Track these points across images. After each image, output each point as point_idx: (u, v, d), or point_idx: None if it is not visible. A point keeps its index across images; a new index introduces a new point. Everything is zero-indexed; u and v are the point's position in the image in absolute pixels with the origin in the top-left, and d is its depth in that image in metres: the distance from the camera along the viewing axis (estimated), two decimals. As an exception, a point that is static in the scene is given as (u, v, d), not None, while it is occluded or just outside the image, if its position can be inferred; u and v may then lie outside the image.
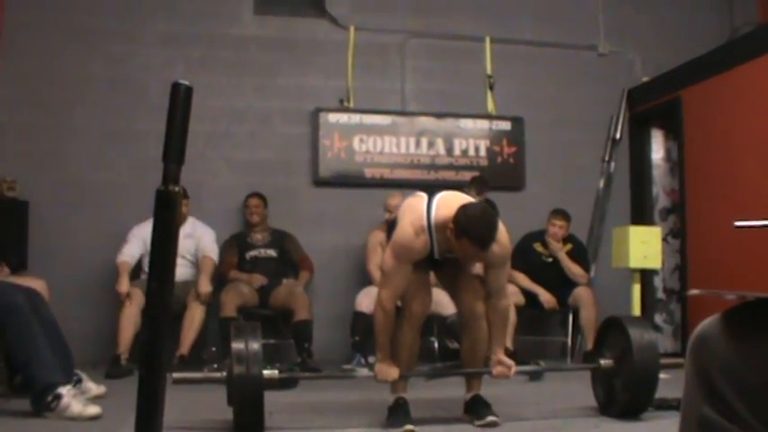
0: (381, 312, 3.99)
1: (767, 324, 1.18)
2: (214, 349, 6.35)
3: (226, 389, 3.91)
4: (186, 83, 1.33)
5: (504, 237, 4.00)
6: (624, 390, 4.20)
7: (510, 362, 4.17)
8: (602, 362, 4.35)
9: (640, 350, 4.14)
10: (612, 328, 4.41)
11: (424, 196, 4.05)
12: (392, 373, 4.02)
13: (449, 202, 3.91)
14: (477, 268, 4.26)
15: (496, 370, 4.16)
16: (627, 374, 4.18)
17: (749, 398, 1.15)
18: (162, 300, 1.32)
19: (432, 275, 4.35)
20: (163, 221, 1.31)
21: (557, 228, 6.92)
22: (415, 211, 3.99)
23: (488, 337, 4.18)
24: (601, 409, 4.40)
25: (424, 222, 3.92)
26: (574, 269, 6.82)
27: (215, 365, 5.84)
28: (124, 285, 6.16)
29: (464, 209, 3.82)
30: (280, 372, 4.14)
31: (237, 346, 3.84)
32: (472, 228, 3.75)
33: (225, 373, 3.94)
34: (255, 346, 3.86)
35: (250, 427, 3.82)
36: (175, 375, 4.13)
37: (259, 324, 4.16)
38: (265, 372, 3.87)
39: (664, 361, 4.40)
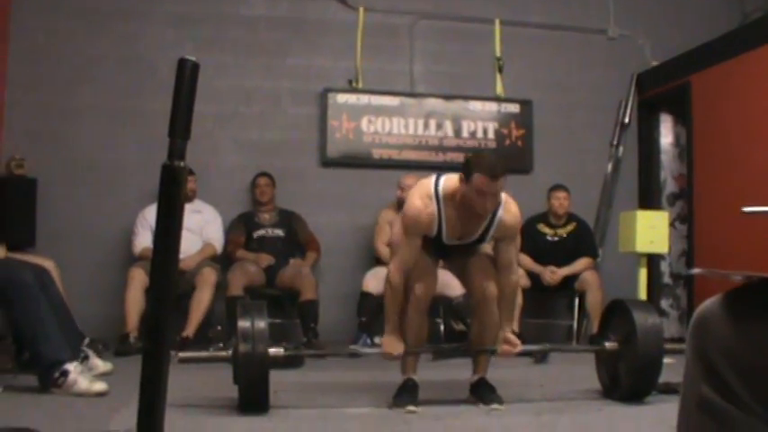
0: (389, 285, 4.04)
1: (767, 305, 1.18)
2: (220, 328, 6.38)
3: (232, 367, 3.93)
4: (193, 59, 1.33)
5: (514, 208, 4.07)
6: (628, 373, 4.20)
7: (516, 340, 4.18)
8: (607, 344, 4.36)
9: (644, 334, 4.14)
10: (617, 312, 4.41)
11: (432, 176, 4.12)
12: (398, 347, 4.05)
13: (455, 177, 3.99)
14: (488, 248, 4.27)
15: (502, 348, 4.16)
16: (631, 358, 4.18)
17: (748, 379, 1.15)
18: (166, 274, 1.33)
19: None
20: (168, 196, 1.32)
21: (560, 200, 6.93)
22: (422, 186, 4.08)
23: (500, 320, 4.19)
24: (605, 392, 4.42)
25: (432, 192, 3.99)
26: (580, 267, 6.79)
27: (221, 344, 5.86)
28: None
29: (472, 154, 3.99)
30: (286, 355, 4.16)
31: (243, 324, 3.86)
32: (481, 160, 3.89)
33: (230, 352, 3.96)
34: (261, 324, 3.87)
35: (256, 404, 3.84)
36: (181, 355, 4.15)
37: (265, 303, 4.18)
38: (271, 349, 3.88)
39: (668, 346, 4.41)
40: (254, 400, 3.84)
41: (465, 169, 3.89)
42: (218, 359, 4.14)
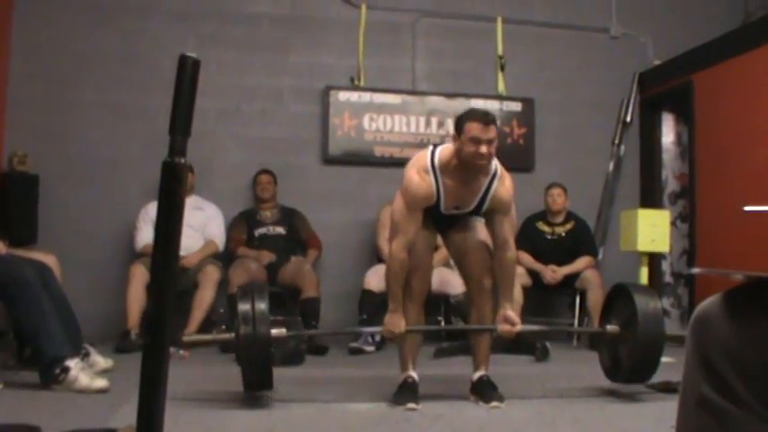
0: (392, 261, 4.06)
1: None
2: (222, 311, 6.38)
3: (234, 349, 3.93)
4: (194, 55, 1.33)
5: (508, 182, 4.12)
6: (629, 356, 4.23)
7: (516, 319, 4.18)
8: (608, 327, 4.40)
9: (646, 317, 4.16)
10: (619, 296, 4.44)
11: (429, 147, 4.20)
12: (401, 325, 4.08)
13: (450, 146, 4.07)
14: (485, 235, 4.26)
15: (501, 327, 4.18)
16: (632, 341, 4.20)
17: (748, 378, 1.15)
18: (167, 270, 1.33)
19: (439, 245, 4.41)
20: (169, 193, 1.32)
21: (554, 197, 6.97)
22: (419, 159, 4.14)
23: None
24: (607, 375, 4.45)
25: (428, 163, 4.04)
26: (580, 266, 6.79)
27: (224, 327, 5.88)
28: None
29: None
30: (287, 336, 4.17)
31: (244, 306, 3.87)
32: (471, 111, 4.12)
33: (233, 335, 3.97)
34: (262, 305, 3.88)
35: (259, 386, 3.86)
36: (186, 337, 4.16)
37: (266, 285, 4.18)
38: (273, 330, 3.91)
39: (669, 342, 4.40)
40: (257, 381, 3.85)
41: (456, 126, 4.00)
42: (222, 341, 4.15)
